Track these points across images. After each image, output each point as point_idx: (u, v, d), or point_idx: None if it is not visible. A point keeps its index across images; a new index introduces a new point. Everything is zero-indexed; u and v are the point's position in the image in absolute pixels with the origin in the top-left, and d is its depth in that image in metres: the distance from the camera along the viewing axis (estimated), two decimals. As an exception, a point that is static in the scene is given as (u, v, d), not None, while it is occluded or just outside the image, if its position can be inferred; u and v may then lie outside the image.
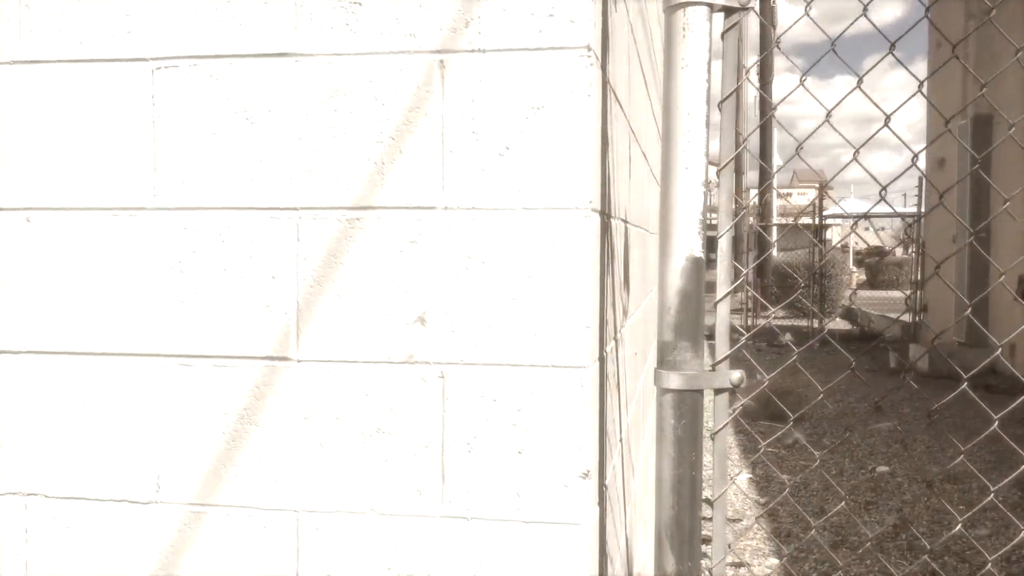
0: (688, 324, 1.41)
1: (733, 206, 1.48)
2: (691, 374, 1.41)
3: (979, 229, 11.09)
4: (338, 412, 1.51)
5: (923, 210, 14.95)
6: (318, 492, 1.52)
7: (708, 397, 1.45)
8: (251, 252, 1.53)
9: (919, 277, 14.23)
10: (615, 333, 1.91)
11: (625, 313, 2.23)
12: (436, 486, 1.48)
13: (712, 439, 1.49)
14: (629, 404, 2.45)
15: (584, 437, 1.44)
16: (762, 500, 5.66)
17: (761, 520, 5.26)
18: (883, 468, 6.56)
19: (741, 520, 5.27)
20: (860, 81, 1.61)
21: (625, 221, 2.16)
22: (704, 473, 1.44)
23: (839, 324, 16.98)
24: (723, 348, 1.47)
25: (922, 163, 14.40)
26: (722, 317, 1.48)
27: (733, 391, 1.47)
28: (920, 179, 15.81)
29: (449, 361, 1.48)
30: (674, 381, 1.41)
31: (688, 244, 1.41)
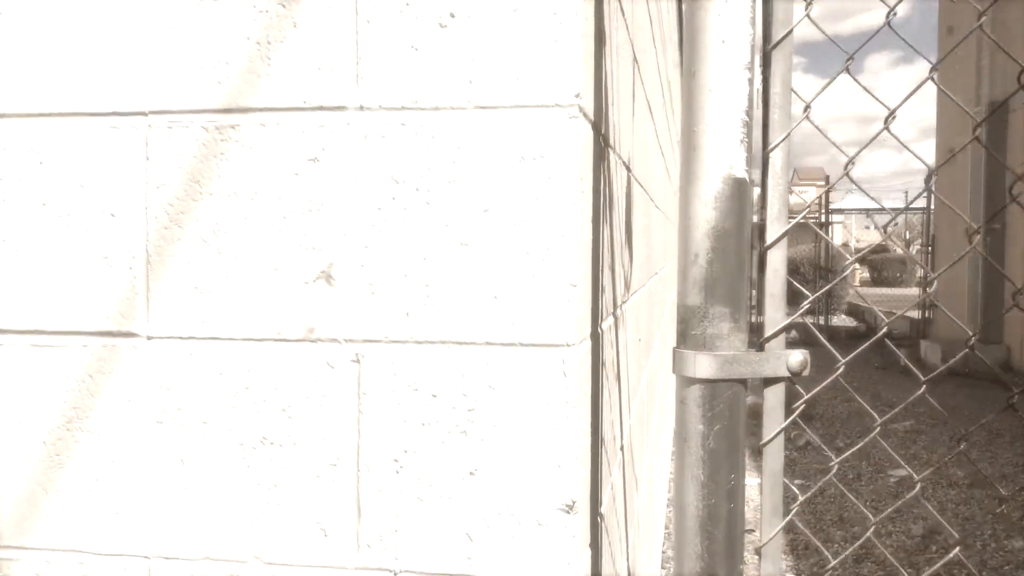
0: (726, 280, 0.93)
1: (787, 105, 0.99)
2: (730, 355, 0.93)
3: (991, 220, 10.62)
4: (206, 413, 1.02)
5: (932, 205, 14.48)
6: (179, 531, 1.03)
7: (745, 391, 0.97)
8: (81, 178, 1.04)
9: (928, 273, 13.74)
10: (615, 306, 1.42)
11: (627, 286, 1.74)
12: (348, 523, 1.00)
13: (760, 453, 1.01)
14: (632, 401, 1.96)
15: (568, 450, 0.96)
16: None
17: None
18: (902, 472, 6.07)
19: (754, 531, 4.79)
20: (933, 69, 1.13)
21: (628, 167, 1.67)
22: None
23: (845, 321, 16.49)
24: (776, 316, 0.98)
25: (931, 156, 13.89)
26: (775, 269, 0.99)
27: (792, 381, 0.98)
28: (928, 174, 15.33)
29: (367, 338, 0.99)
30: (704, 366, 0.93)
31: (725, 157, 0.92)
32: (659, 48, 3.12)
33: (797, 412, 0.99)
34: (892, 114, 1.06)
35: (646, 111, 2.29)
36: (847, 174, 1.02)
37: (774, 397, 0.97)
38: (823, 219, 17.18)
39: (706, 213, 0.93)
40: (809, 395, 1.00)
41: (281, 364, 1.00)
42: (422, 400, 0.98)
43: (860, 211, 22.04)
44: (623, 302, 1.66)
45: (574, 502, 0.96)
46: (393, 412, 0.99)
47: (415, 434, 0.98)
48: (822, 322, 14.52)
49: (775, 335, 0.97)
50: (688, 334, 0.94)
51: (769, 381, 0.97)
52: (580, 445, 0.99)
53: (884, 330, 1.06)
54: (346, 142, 0.99)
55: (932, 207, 14.46)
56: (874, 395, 8.90)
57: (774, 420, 0.98)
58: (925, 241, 15.40)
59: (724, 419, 0.94)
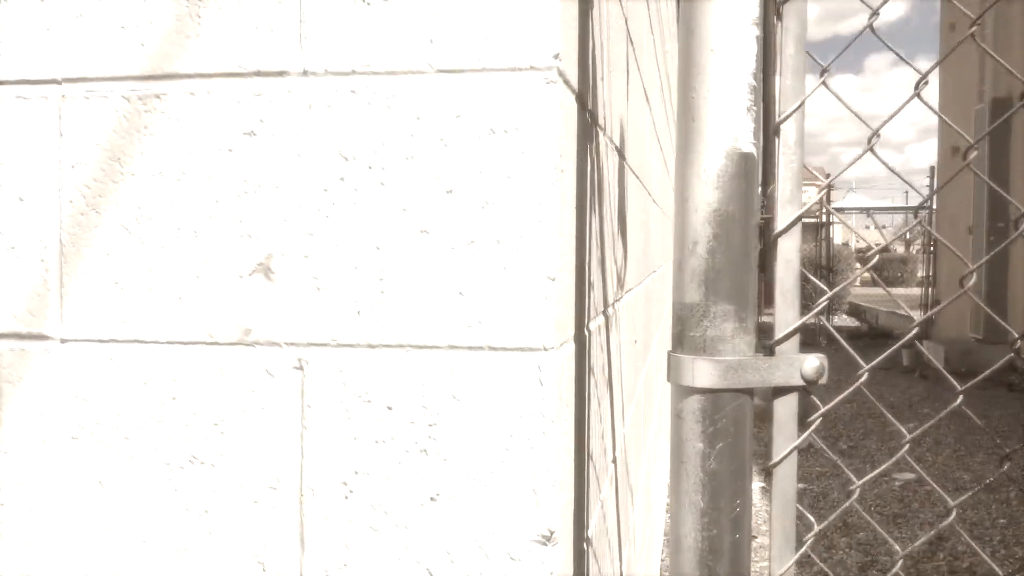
0: (730, 273, 0.79)
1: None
2: (734, 360, 0.79)
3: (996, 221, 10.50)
4: (128, 428, 0.88)
5: (935, 204, 14.35)
6: (97, 563, 0.89)
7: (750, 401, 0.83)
8: (-16, 157, 0.90)
9: (930, 272, 13.61)
10: (605, 305, 1.29)
11: (621, 283, 1.60)
12: (291, 556, 0.86)
13: (769, 475, 0.87)
14: (627, 407, 1.82)
15: (545, 471, 0.82)
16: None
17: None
18: (909, 475, 5.94)
19: (756, 537, 4.65)
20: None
21: (621, 153, 1.53)
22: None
23: (846, 321, 16.35)
24: (789, 315, 0.84)
25: (934, 153, 13.78)
26: (787, 260, 0.85)
27: (806, 391, 0.84)
28: (931, 170, 15.19)
29: (312, 341, 0.85)
30: (704, 374, 0.79)
31: (729, 129, 0.78)
32: (658, 39, 2.99)
33: (813, 427, 0.85)
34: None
35: (642, 99, 2.15)
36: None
37: (786, 409, 0.83)
38: (824, 219, 17.03)
39: (706, 194, 0.79)
40: (828, 407, 0.87)
41: (213, 371, 0.86)
42: (375, 413, 0.84)
43: (860, 210, 21.93)
44: (616, 300, 1.52)
45: (552, 532, 0.82)
46: (342, 427, 0.85)
47: (367, 453, 0.84)
48: (822, 323, 14.38)
49: (787, 337, 0.83)
50: (685, 336, 0.80)
51: (780, 391, 0.83)
52: (560, 465, 0.85)
53: (915, 331, 0.92)
54: (287, 113, 0.85)
55: (934, 206, 14.33)
56: (877, 396, 8.75)
57: (786, 436, 0.84)
58: (926, 240, 15.28)
59: (728, 436, 0.80)
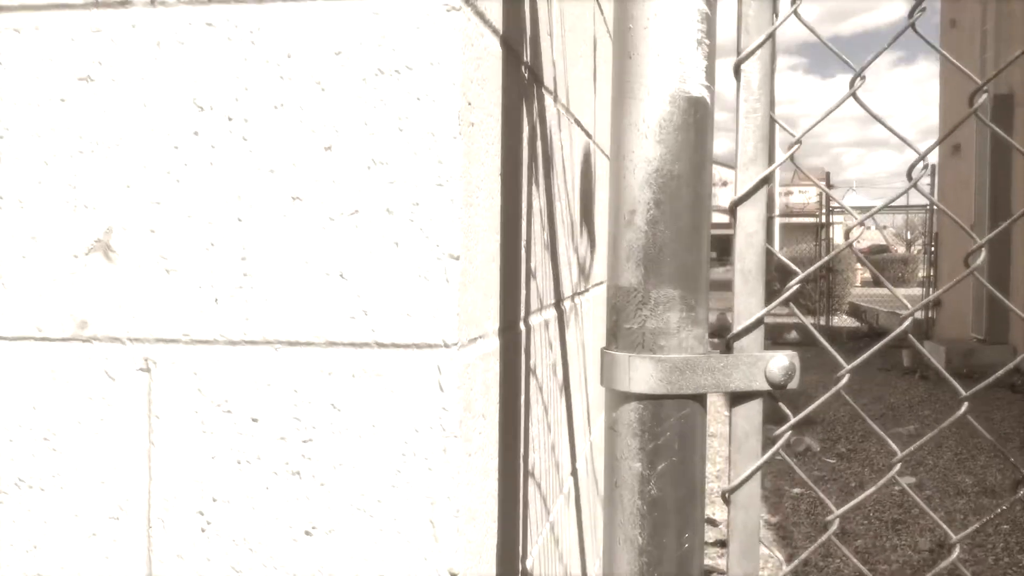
0: (675, 248, 0.62)
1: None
2: (680, 359, 0.62)
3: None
4: (-59, 443, 0.72)
5: (937, 200, 14.19)
6: (-92, 609, 0.73)
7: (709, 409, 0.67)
8: None
9: (931, 272, 13.45)
10: (559, 297, 1.12)
11: (585, 274, 1.43)
12: (135, 603, 0.69)
13: (727, 501, 0.69)
14: (597, 413, 1.65)
15: (446, 500, 0.65)
16: (773, 519, 4.86)
17: (773, 546, 4.47)
18: (909, 479, 5.77)
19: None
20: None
21: (581, 125, 1.36)
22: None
23: (846, 321, 16.18)
24: (750, 303, 0.67)
25: (934, 151, 13.62)
26: (749, 234, 0.68)
27: (772, 396, 0.67)
28: (932, 169, 15.02)
29: (161, 336, 0.68)
30: (643, 376, 0.62)
31: (674, 67, 0.62)
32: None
33: (781, 443, 0.68)
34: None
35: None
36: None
37: (747, 420, 0.67)
38: (824, 219, 16.89)
39: (645, 150, 0.62)
40: (797, 418, 0.70)
41: (42, 373, 0.70)
42: (238, 426, 0.67)
43: (860, 208, 21.81)
44: (578, 293, 1.35)
45: (455, 575, 0.65)
46: (197, 444, 0.68)
47: (229, 476, 0.68)
48: (822, 322, 14.23)
49: (749, 329, 0.66)
50: (620, 329, 0.64)
51: (739, 397, 0.66)
52: (470, 491, 0.68)
53: (904, 326, 0.75)
54: (131, 53, 0.68)
55: (934, 206, 14.17)
56: (877, 398, 8.59)
57: (747, 454, 0.67)
58: (928, 240, 15.12)
59: (672, 453, 0.63)
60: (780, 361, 0.64)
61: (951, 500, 5.30)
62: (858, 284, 24.74)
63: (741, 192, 0.66)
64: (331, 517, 0.66)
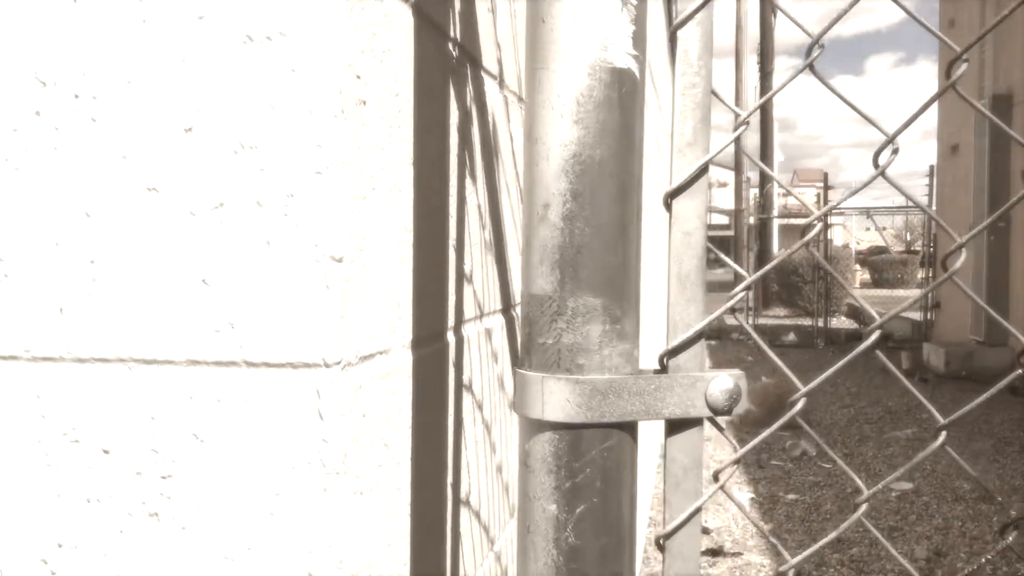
0: (598, 249, 0.52)
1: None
2: (603, 380, 0.52)
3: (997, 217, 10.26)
4: None
5: (935, 204, 14.09)
6: None
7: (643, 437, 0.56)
8: None
9: (930, 274, 13.35)
10: (511, 298, 1.02)
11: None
12: (-32, 666, 0.59)
13: (661, 548, 0.59)
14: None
15: (327, 549, 0.55)
16: (767, 526, 4.76)
17: (765, 553, 4.36)
18: (906, 485, 5.66)
19: (741, 554, 4.37)
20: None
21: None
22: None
23: (844, 323, 16.06)
24: (688, 312, 0.57)
25: (933, 151, 13.51)
26: (686, 232, 0.57)
27: (715, 424, 0.57)
28: (930, 170, 14.92)
29: (-1, 351, 0.58)
30: (557, 400, 0.52)
31: (595, 31, 0.52)
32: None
33: (725, 481, 0.58)
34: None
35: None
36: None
37: (685, 452, 0.56)
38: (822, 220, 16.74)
39: (561, 131, 0.52)
40: (743, 452, 0.59)
41: None
42: (87, 459, 0.57)
43: (860, 210, 21.70)
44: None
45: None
46: (41, 479, 0.58)
47: (77, 517, 0.57)
48: (820, 324, 14.12)
49: (687, 344, 0.56)
50: (533, 344, 0.53)
51: (677, 425, 0.56)
52: (365, 535, 0.58)
53: (875, 336, 0.65)
54: (-37, 20, 0.58)
55: (934, 207, 14.08)
56: (875, 401, 8.48)
57: (686, 493, 0.56)
58: (926, 241, 15.04)
59: (594, 493, 0.53)
60: (723, 383, 0.54)
61: (949, 506, 5.20)
62: (857, 286, 24.63)
63: (677, 181, 0.56)
64: (194, 566, 0.56)
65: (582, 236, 0.52)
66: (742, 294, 0.59)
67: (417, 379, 0.69)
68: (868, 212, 21.97)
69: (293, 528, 0.55)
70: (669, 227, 0.56)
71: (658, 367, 0.56)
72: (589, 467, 0.52)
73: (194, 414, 0.56)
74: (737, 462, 0.57)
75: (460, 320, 0.82)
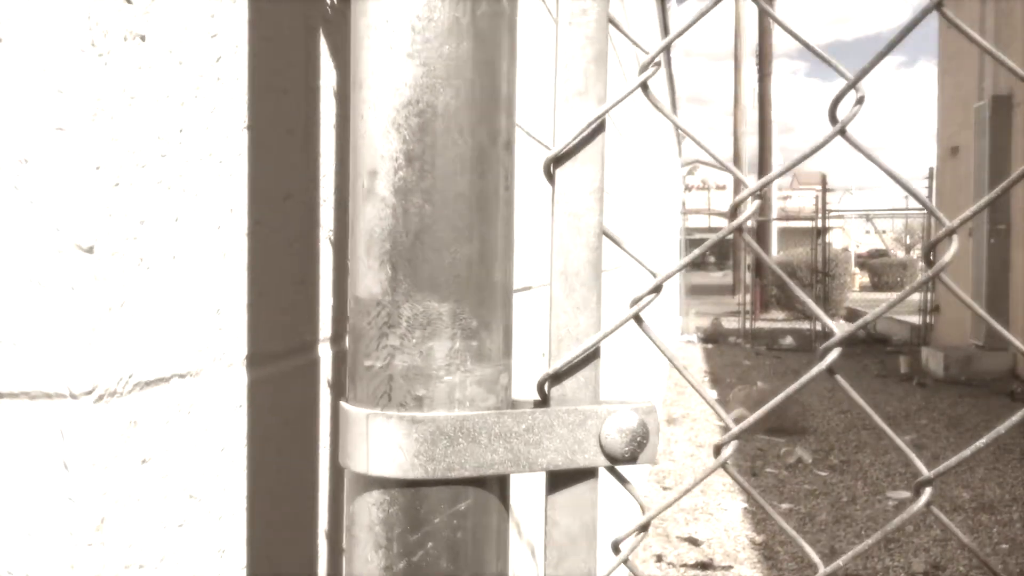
0: (443, 234, 0.37)
1: None
2: (453, 420, 0.37)
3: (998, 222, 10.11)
4: None
5: (935, 205, 13.94)
6: None
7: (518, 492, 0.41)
8: None
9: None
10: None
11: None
12: None
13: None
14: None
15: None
16: (759, 539, 4.60)
17: (757, 567, 4.20)
18: (903, 494, 5.51)
19: (732, 567, 4.21)
20: None
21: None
22: None
23: (843, 327, 15.90)
24: (580, 321, 0.41)
25: (933, 153, 13.36)
26: (573, 211, 0.42)
27: (615, 474, 0.42)
28: (930, 172, 14.79)
29: None
30: (388, 447, 0.37)
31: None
32: None
33: (627, 554, 0.42)
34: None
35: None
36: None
37: (572, 515, 0.41)
38: (820, 223, 16.65)
39: (393, 70, 0.37)
40: (655, 512, 0.44)
41: None
42: None
43: (859, 211, 21.60)
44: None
45: None
46: None
47: None
48: (819, 328, 13.96)
49: (574, 367, 0.40)
50: (358, 368, 0.38)
51: (561, 479, 0.41)
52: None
53: (832, 356, 0.50)
54: None
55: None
56: (873, 406, 8.31)
57: (574, 567, 0.41)
58: (927, 244, 14.86)
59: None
60: (623, 420, 0.39)
61: (947, 516, 5.03)
62: (856, 289, 24.52)
63: (562, 142, 0.40)
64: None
65: (421, 217, 0.37)
66: (651, 298, 0.43)
67: (259, 406, 0.54)
68: (868, 215, 21.86)
69: (27, 621, 0.40)
70: (552, 206, 0.40)
71: (538, 398, 0.41)
72: (431, 540, 0.37)
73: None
74: (645, 528, 0.42)
75: (343, 329, 0.67)
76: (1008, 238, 10.37)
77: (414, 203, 0.37)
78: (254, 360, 0.54)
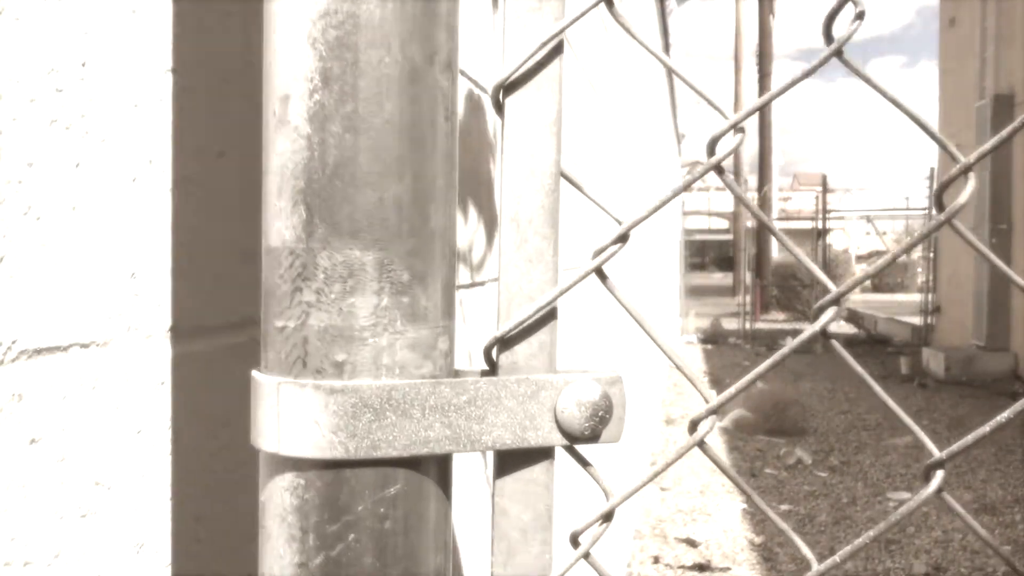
0: (368, 169, 0.31)
1: None
2: (381, 389, 0.31)
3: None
4: None
5: (933, 207, 13.87)
6: None
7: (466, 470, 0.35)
8: None
9: (930, 277, 13.15)
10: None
11: (473, 263, 1.11)
12: None
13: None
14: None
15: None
16: (757, 540, 4.53)
17: (755, 568, 4.14)
18: (903, 495, 5.44)
19: (730, 569, 4.15)
20: None
21: (474, 78, 1.04)
22: None
23: (844, 327, 15.84)
24: (534, 276, 0.36)
25: (934, 152, 13.30)
26: (528, 154, 0.36)
27: (574, 454, 0.36)
28: (931, 172, 14.73)
29: None
30: (303, 422, 0.31)
31: None
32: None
33: (581, 552, 0.36)
34: None
35: None
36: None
37: (523, 503, 0.35)
38: (821, 224, 16.58)
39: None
40: (620, 500, 0.38)
41: None
42: None
43: (860, 212, 21.56)
44: (459, 287, 1.03)
45: None
46: None
47: None
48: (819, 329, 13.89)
49: (527, 330, 0.34)
50: (270, 329, 0.32)
51: (511, 459, 0.35)
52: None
53: (808, 335, 0.44)
54: None
55: (934, 211, 13.86)
56: (873, 407, 8.27)
57: (524, 567, 0.35)
58: (927, 245, 14.85)
59: (363, 574, 0.32)
60: (583, 391, 0.33)
61: (948, 517, 4.97)
62: (857, 290, 24.45)
63: (511, 66, 0.34)
64: None
65: (340, 148, 0.31)
66: (615, 248, 0.37)
67: (187, 385, 0.48)
68: (868, 217, 21.81)
69: None
70: (500, 141, 0.34)
71: (486, 368, 0.35)
72: (354, 532, 0.31)
73: None
74: (609, 517, 0.36)
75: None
76: (1010, 237, 10.31)
77: (332, 132, 0.31)
78: (180, 333, 0.48)
